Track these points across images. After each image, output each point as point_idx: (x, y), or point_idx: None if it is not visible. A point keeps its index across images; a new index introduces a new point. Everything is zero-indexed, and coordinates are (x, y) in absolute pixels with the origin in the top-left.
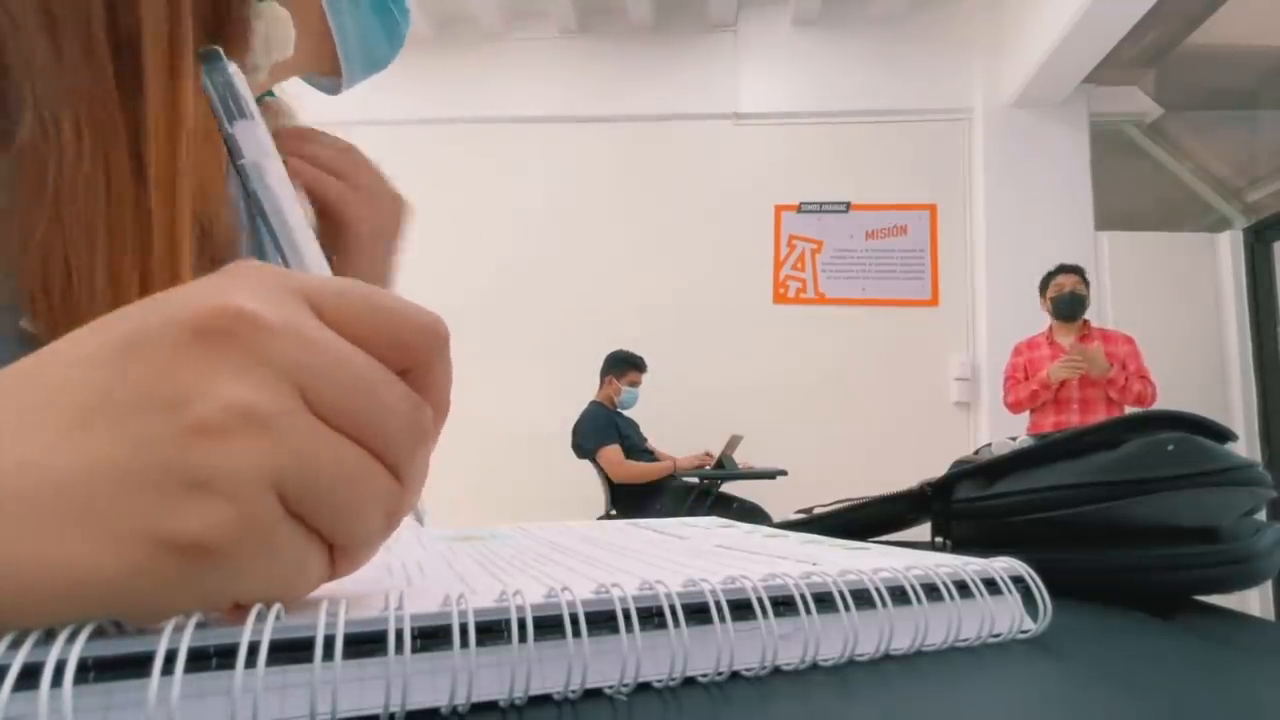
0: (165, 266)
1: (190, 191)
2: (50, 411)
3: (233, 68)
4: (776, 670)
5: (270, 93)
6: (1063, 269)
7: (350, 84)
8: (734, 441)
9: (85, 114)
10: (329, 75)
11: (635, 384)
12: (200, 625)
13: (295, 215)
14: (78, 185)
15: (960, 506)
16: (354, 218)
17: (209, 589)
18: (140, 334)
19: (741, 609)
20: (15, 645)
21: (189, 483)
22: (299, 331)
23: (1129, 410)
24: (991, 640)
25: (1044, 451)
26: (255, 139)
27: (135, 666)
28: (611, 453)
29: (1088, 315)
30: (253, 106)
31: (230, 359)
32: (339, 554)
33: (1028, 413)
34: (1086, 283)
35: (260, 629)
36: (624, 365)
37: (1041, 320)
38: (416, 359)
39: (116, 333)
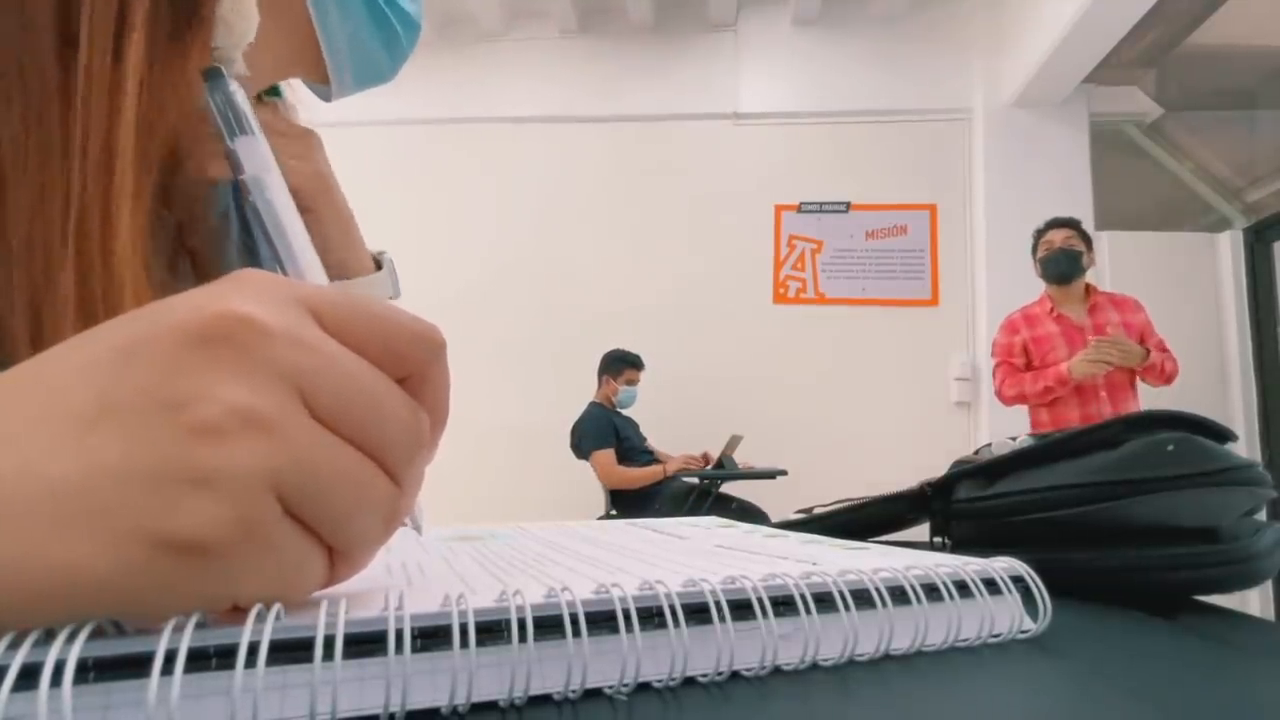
0: (97, 249)
1: (134, 176)
2: (52, 414)
3: (233, 85)
4: (776, 670)
5: (278, 91)
6: (1053, 223)
7: (341, 93)
8: (734, 442)
9: (19, 84)
10: (320, 82)
11: (633, 382)
12: (200, 625)
13: (295, 227)
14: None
15: (960, 506)
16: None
17: (208, 589)
18: (142, 339)
19: (741, 609)
20: (14, 645)
21: (189, 482)
22: (299, 337)
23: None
24: (991, 640)
25: (1044, 451)
26: (256, 154)
27: (135, 666)
28: (603, 457)
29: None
30: (253, 122)
31: (231, 363)
32: (338, 558)
33: (1028, 406)
34: (1085, 238)
35: (260, 629)
36: (620, 364)
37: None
38: (414, 367)
39: (119, 337)
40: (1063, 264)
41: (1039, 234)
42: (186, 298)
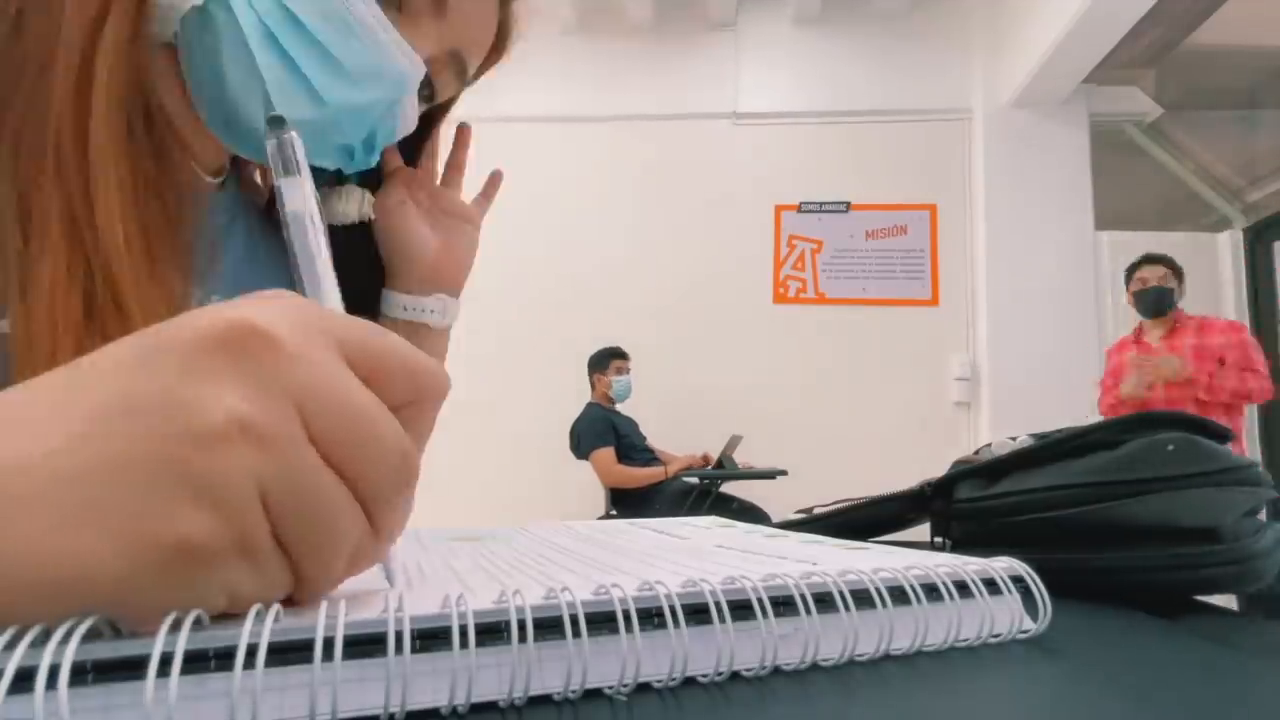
0: (71, 152)
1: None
2: (72, 411)
3: (292, 133)
4: (776, 670)
5: (351, 177)
6: (1147, 259)
7: (248, 155)
8: (734, 441)
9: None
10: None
11: (622, 371)
12: (198, 626)
13: (326, 268)
14: None
15: (960, 506)
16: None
17: (197, 593)
18: (165, 341)
19: (741, 609)
20: (10, 647)
21: (184, 486)
22: (310, 359)
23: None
24: (991, 640)
25: (1044, 451)
26: (297, 193)
27: (134, 668)
28: (603, 456)
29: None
30: (303, 165)
31: (238, 372)
32: (299, 584)
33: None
34: (1177, 272)
35: (259, 630)
36: (604, 359)
37: (1047, 316)
38: (417, 396)
39: (144, 342)
40: (1154, 302)
41: (1132, 269)
42: (215, 307)
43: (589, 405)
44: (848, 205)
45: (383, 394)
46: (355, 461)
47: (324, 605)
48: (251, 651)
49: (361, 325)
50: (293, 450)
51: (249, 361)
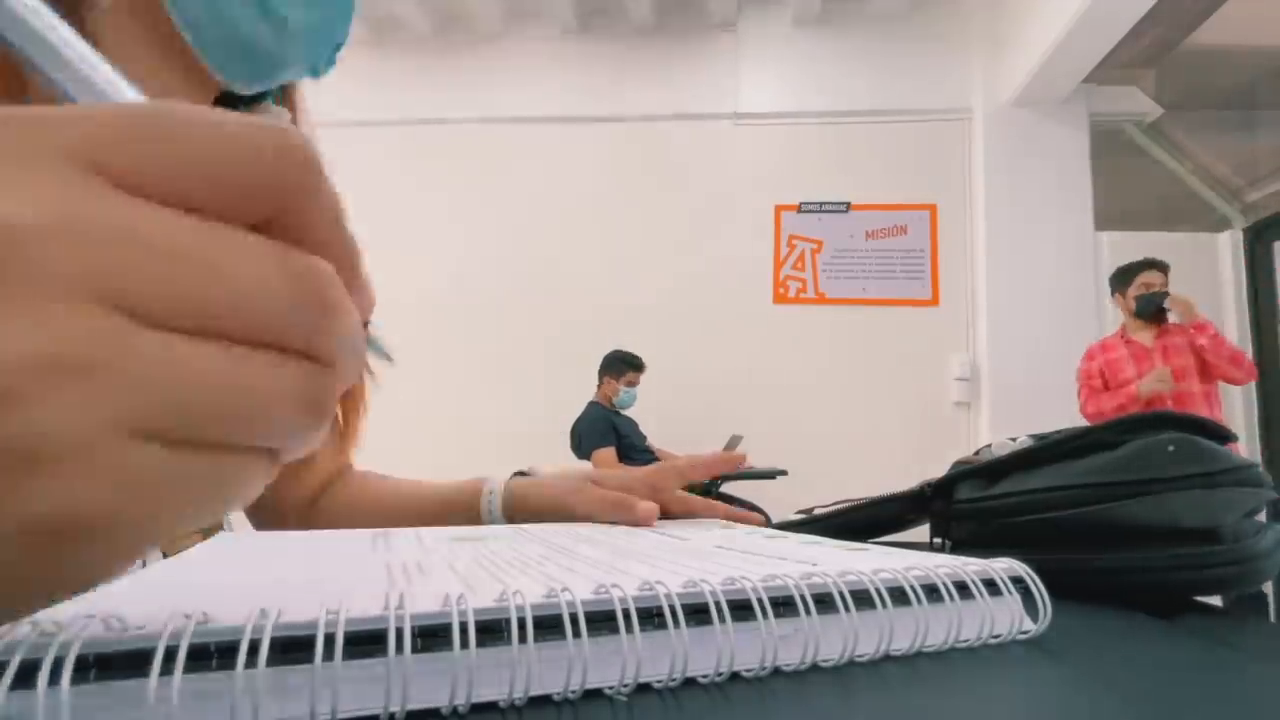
0: None
1: None
2: None
3: None
4: (776, 670)
5: (268, 96)
6: (1149, 264)
7: (235, 79)
8: (734, 442)
9: None
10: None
11: (633, 384)
12: (200, 623)
13: (70, 38)
14: None
15: (961, 507)
16: None
17: (125, 545)
18: None
19: (741, 609)
20: (14, 643)
21: (17, 464)
22: (76, 224)
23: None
24: (991, 641)
25: (1044, 452)
26: None
27: (136, 665)
28: (604, 455)
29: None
30: None
31: None
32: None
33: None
34: (1166, 279)
35: (261, 628)
36: (621, 366)
37: (1047, 316)
38: (277, 195)
39: None
40: (1159, 305)
41: (1133, 270)
42: None
43: (590, 405)
44: (848, 205)
45: (207, 206)
46: (223, 316)
47: (324, 604)
48: (253, 649)
49: (135, 120)
50: (132, 357)
51: None
